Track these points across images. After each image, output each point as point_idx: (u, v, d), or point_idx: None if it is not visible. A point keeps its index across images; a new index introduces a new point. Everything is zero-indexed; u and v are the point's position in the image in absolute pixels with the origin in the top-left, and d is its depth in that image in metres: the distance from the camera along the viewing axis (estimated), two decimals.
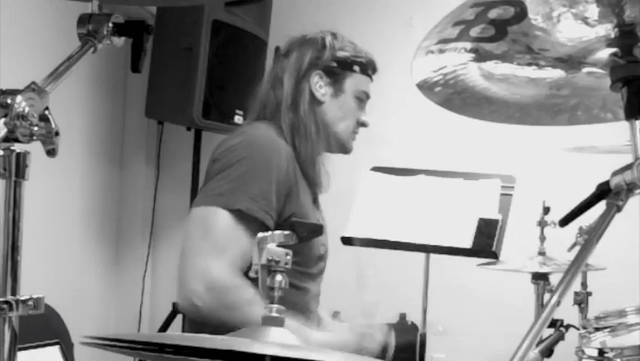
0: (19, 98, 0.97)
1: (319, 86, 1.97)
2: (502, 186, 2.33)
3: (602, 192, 1.15)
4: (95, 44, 1.12)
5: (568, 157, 3.07)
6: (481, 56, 1.26)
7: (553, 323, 2.24)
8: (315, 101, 1.97)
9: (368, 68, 2.04)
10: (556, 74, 1.29)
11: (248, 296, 1.71)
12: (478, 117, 1.45)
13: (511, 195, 2.32)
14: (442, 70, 1.31)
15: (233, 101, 3.26)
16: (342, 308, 2.83)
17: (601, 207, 1.15)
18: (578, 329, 2.23)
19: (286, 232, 1.05)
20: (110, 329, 3.49)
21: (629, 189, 1.12)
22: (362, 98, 2.04)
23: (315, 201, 2.01)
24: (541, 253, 2.48)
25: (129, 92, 3.61)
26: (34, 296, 0.97)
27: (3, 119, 0.96)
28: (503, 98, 1.37)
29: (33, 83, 1.01)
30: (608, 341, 2.01)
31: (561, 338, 2.25)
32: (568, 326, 2.26)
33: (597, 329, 2.05)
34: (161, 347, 0.93)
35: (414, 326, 2.13)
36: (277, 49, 2.11)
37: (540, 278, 2.43)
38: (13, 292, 0.96)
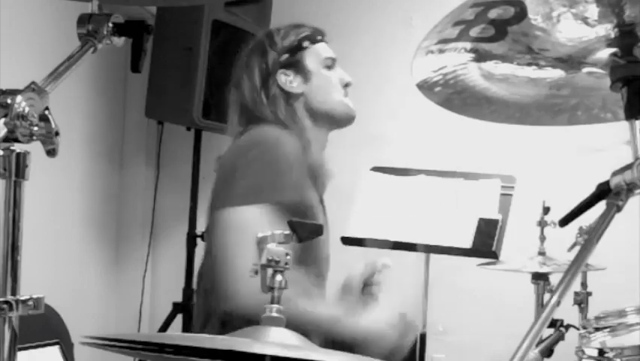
0: (19, 98, 0.97)
1: (289, 82, 1.96)
2: (502, 186, 2.33)
3: (602, 192, 1.15)
4: (95, 44, 1.12)
5: (568, 157, 3.08)
6: (481, 56, 1.26)
7: (553, 323, 2.24)
8: (293, 98, 1.96)
9: (316, 36, 2.02)
10: (556, 74, 1.29)
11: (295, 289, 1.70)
12: (478, 117, 1.45)
13: (511, 195, 2.32)
14: (442, 70, 1.31)
15: None
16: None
17: (601, 207, 1.15)
18: (578, 329, 2.23)
19: (286, 232, 1.05)
20: (110, 329, 3.49)
21: (629, 189, 1.12)
22: (329, 65, 2.01)
23: (321, 201, 2.01)
24: (541, 253, 2.48)
25: (129, 92, 3.61)
26: (34, 296, 0.97)
27: (3, 119, 0.96)
28: (503, 98, 1.37)
29: (33, 83, 1.01)
30: (608, 341, 2.01)
31: (561, 338, 2.25)
32: (568, 326, 2.26)
33: (597, 329, 2.05)
34: (161, 347, 0.93)
35: (414, 326, 2.13)
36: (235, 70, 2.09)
37: (540, 278, 2.43)
38: (13, 292, 0.96)
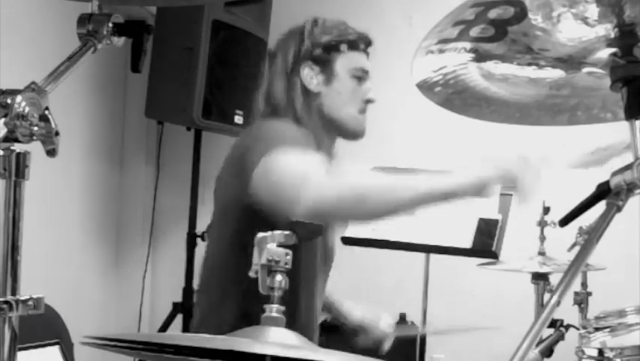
0: (19, 98, 0.97)
1: (310, 77, 1.91)
2: (502, 186, 2.33)
3: (602, 192, 1.15)
4: (95, 44, 1.12)
5: (568, 157, 3.07)
6: (481, 56, 1.26)
7: (553, 323, 2.24)
8: (310, 94, 1.93)
9: (359, 44, 1.97)
10: (556, 74, 1.29)
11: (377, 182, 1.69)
12: (478, 117, 1.45)
13: (511, 195, 2.31)
14: (442, 70, 1.31)
15: (233, 101, 3.26)
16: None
17: (601, 207, 1.15)
18: (578, 329, 2.23)
19: (286, 232, 1.05)
20: (110, 329, 3.49)
21: (629, 189, 1.12)
22: (359, 76, 1.96)
23: None
24: (541, 253, 2.48)
25: (129, 92, 3.61)
26: (34, 296, 0.97)
27: (3, 119, 0.96)
28: (503, 98, 1.37)
29: (33, 83, 1.01)
30: (608, 341, 2.02)
31: (561, 338, 2.25)
32: (568, 326, 2.26)
33: (597, 329, 2.05)
34: (161, 347, 0.93)
35: (414, 326, 2.15)
36: (269, 51, 2.09)
37: (540, 278, 2.43)
38: (13, 292, 0.96)
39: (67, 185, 3.19)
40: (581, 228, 2.03)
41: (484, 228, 2.24)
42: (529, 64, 1.27)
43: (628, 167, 1.12)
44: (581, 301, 2.45)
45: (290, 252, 1.04)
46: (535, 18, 1.15)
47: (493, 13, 1.14)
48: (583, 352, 2.04)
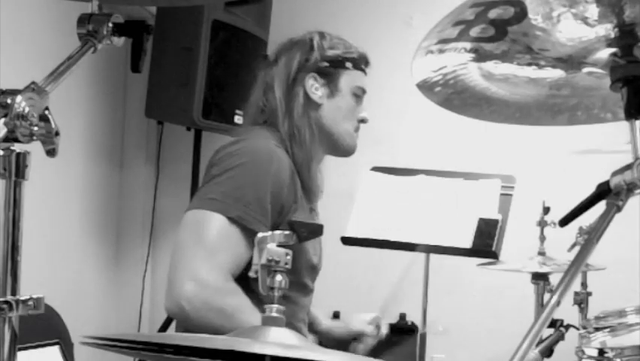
0: (19, 98, 0.97)
1: (315, 88, 1.95)
2: (502, 186, 2.33)
3: (602, 192, 1.15)
4: (95, 44, 1.12)
5: (568, 157, 3.07)
6: (481, 56, 1.26)
7: (553, 323, 2.24)
8: (311, 105, 1.95)
9: (361, 63, 2.03)
10: (556, 74, 1.29)
11: (238, 302, 1.69)
12: (478, 117, 1.45)
13: (511, 195, 2.32)
14: (442, 70, 1.31)
15: (233, 101, 3.26)
16: (342, 308, 2.84)
17: (601, 207, 1.15)
18: (578, 329, 2.23)
19: (286, 232, 1.05)
20: (110, 329, 3.49)
21: (629, 189, 1.12)
22: (359, 94, 2.02)
23: (312, 210, 2.00)
24: (541, 253, 2.47)
25: (129, 92, 3.61)
26: (34, 296, 0.97)
27: (3, 119, 0.96)
28: (503, 98, 1.37)
29: (33, 83, 1.01)
30: (608, 341, 2.01)
31: (561, 338, 2.25)
32: (568, 326, 2.26)
33: (597, 329, 2.05)
34: (161, 347, 0.93)
35: (413, 326, 2.15)
36: (265, 56, 2.10)
37: (540, 278, 2.43)
38: (13, 292, 0.96)
39: (67, 185, 3.19)
40: (581, 228, 2.02)
41: (484, 228, 2.24)
42: (529, 64, 1.27)
43: (628, 167, 1.12)
44: (581, 301, 2.45)
45: (290, 252, 1.04)
46: (535, 18, 1.15)
47: (493, 13, 1.14)
48: (583, 352, 2.04)
